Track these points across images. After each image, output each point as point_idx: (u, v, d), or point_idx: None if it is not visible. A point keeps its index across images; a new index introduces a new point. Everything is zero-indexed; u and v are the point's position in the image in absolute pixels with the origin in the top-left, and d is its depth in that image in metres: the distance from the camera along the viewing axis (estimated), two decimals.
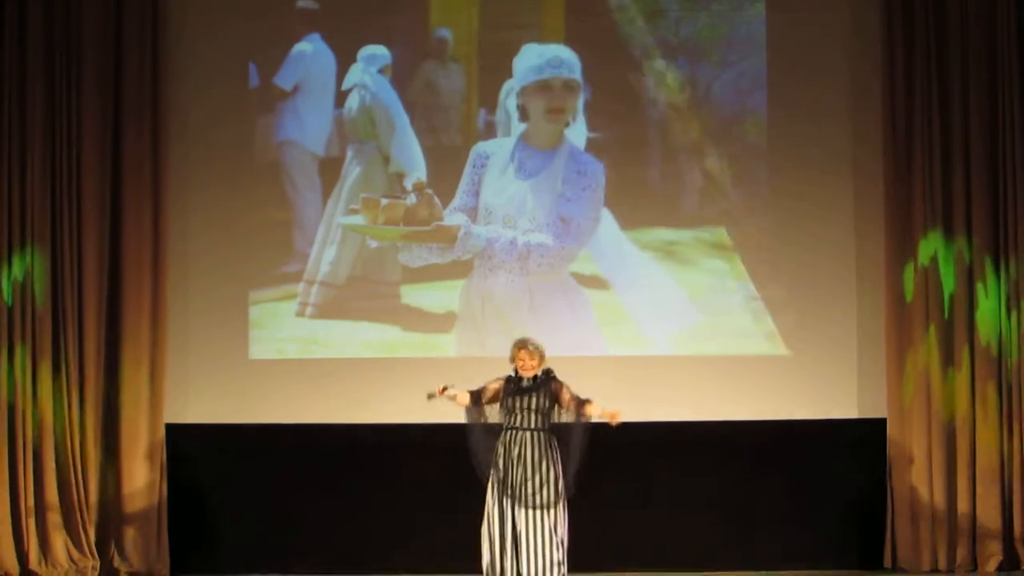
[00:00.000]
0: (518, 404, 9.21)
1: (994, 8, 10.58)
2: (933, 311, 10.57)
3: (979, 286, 10.54)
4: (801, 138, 10.88)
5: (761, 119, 10.90)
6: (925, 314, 10.58)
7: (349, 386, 10.86)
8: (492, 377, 9.34)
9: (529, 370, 9.19)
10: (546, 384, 9.24)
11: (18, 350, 10.59)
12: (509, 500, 9.19)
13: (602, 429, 9.32)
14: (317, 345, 10.91)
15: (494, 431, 9.28)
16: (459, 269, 10.92)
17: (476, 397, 9.28)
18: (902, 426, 10.61)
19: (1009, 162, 10.52)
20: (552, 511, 9.18)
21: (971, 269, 10.54)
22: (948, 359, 10.56)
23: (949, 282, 10.57)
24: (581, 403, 9.20)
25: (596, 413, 9.19)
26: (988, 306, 10.54)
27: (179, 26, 10.90)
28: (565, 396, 9.25)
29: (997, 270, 10.55)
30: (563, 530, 9.23)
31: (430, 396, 9.16)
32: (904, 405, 10.60)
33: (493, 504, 9.25)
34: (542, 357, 9.21)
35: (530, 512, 9.17)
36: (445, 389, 9.18)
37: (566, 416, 9.28)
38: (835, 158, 10.83)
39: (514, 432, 9.23)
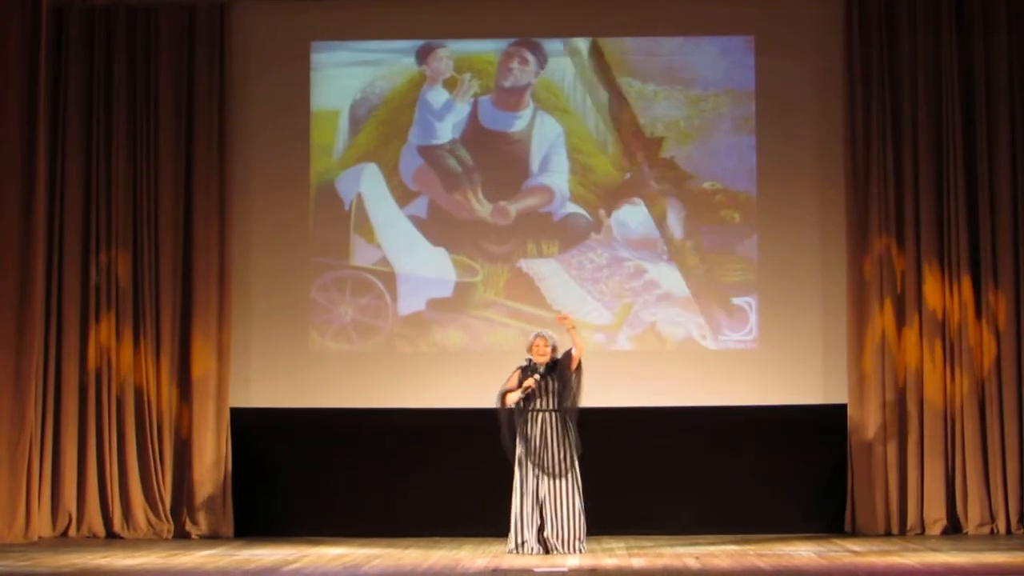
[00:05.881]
0: (537, 388, 9.97)
1: (938, 55, 11.39)
2: (887, 287, 11.31)
3: (925, 267, 11.29)
4: (778, 170, 11.60)
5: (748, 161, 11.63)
6: (880, 291, 11.30)
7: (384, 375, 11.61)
8: (508, 371, 10.05)
9: (544, 356, 9.96)
10: (555, 369, 9.94)
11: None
12: (534, 468, 9.80)
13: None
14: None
15: (519, 414, 9.95)
16: None
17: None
18: (860, 406, 11.19)
19: (952, 181, 11.28)
20: (569, 476, 9.82)
21: (919, 258, 11.30)
22: (901, 321, 11.28)
23: (900, 265, 11.32)
24: (571, 354, 9.91)
25: (577, 336, 9.93)
26: (933, 281, 11.27)
27: (243, 70, 11.70)
28: (572, 362, 9.92)
29: (941, 263, 11.29)
30: (580, 499, 9.88)
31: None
32: (862, 371, 11.16)
33: (520, 476, 9.90)
34: (555, 347, 9.99)
35: (551, 481, 9.81)
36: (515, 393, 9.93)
37: (574, 377, 9.89)
38: (805, 183, 11.58)
39: (534, 413, 9.93)
